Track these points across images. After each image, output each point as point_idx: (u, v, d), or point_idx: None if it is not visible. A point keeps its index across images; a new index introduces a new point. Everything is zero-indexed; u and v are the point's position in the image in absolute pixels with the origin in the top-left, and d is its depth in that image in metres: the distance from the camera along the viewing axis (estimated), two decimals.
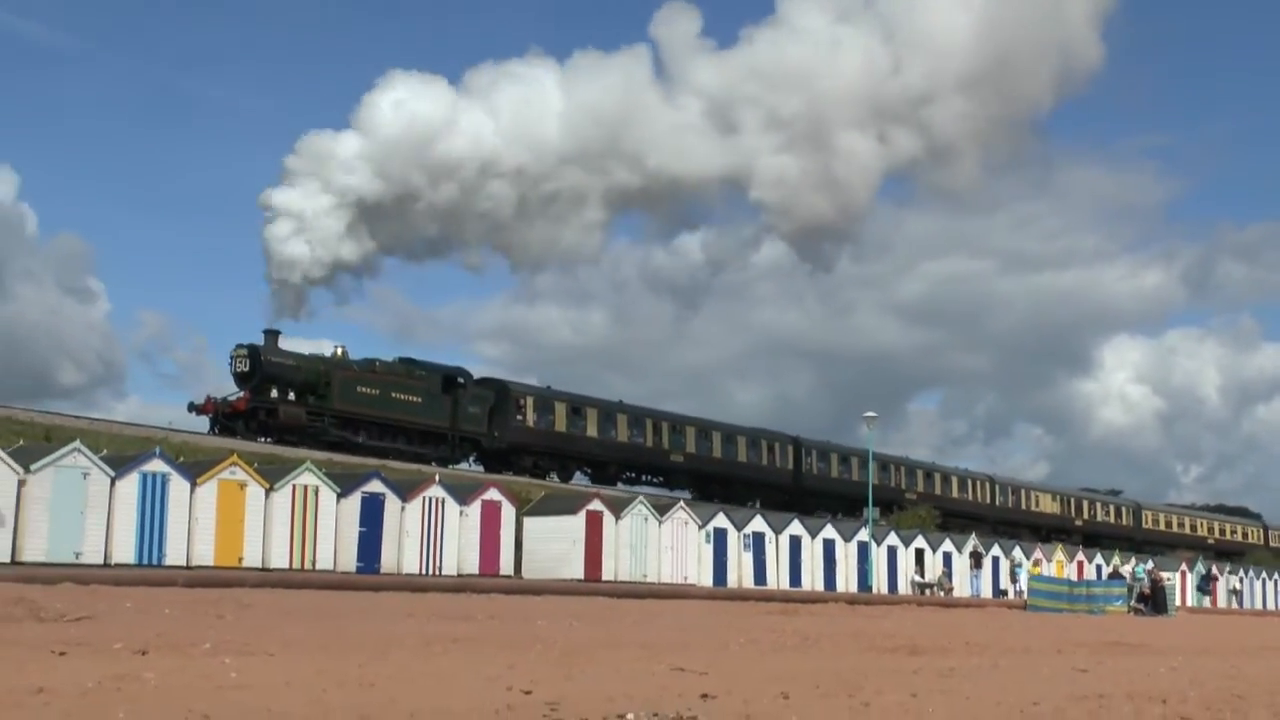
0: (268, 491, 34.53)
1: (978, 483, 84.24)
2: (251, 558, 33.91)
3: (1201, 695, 14.48)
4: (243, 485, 34.25)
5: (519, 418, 56.94)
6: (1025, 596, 49.07)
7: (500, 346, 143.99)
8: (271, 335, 49.77)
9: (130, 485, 32.05)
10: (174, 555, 32.41)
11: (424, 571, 37.09)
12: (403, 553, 37.13)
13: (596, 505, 42.31)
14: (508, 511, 40.55)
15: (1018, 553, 58.24)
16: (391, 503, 37.18)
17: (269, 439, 47.50)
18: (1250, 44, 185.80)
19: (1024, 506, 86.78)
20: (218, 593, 25.36)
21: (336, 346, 52.25)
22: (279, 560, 34.42)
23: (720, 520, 46.32)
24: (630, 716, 10.42)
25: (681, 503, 46.99)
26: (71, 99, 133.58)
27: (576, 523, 41.43)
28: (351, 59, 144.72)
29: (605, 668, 15.04)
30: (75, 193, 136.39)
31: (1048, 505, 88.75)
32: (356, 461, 45.73)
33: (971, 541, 56.97)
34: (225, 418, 47.39)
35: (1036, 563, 56.85)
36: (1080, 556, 63.77)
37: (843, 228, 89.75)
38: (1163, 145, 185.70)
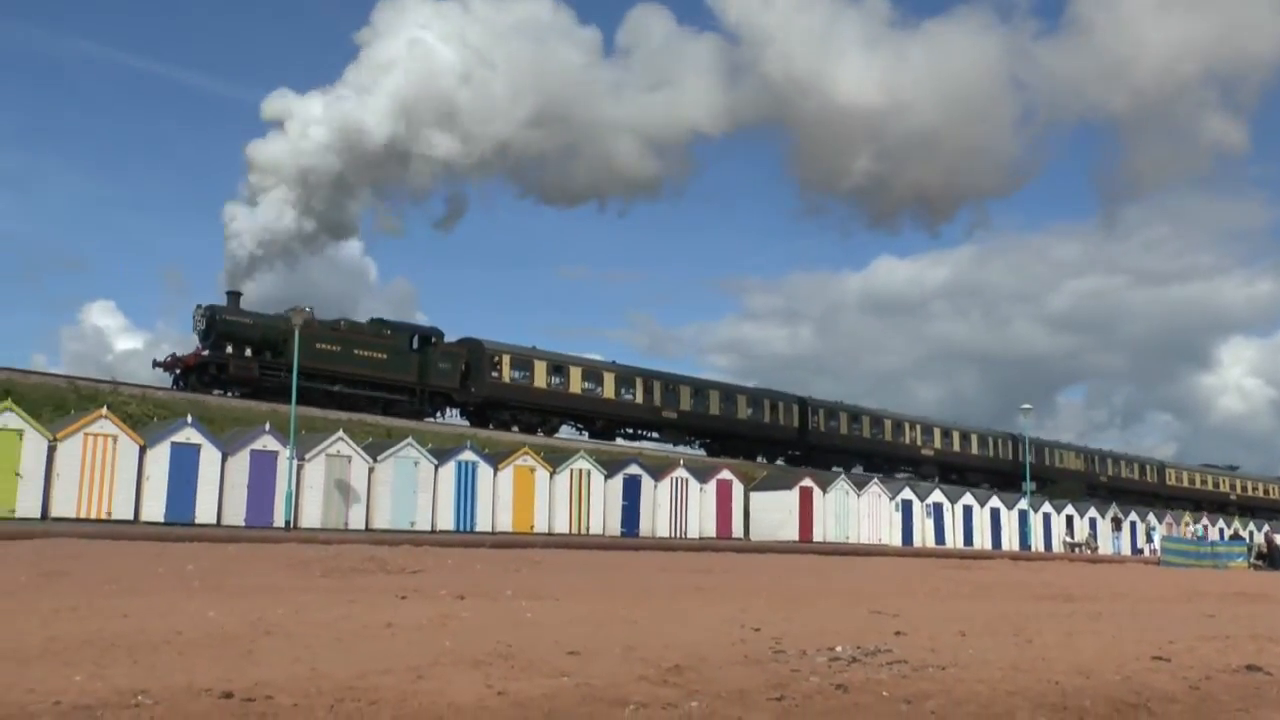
0: (551, 474, 35.17)
1: (1000, 441, 72.79)
2: (540, 525, 34.53)
3: None
4: (532, 469, 34.92)
5: (494, 374, 48.33)
6: (1159, 554, 47.11)
7: (728, 357, 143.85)
8: (233, 296, 43.12)
9: (449, 471, 32.95)
10: (482, 523, 33.19)
11: (673, 535, 37.26)
12: (656, 521, 37.42)
13: (808, 482, 42.13)
14: (738, 488, 40.65)
15: (1151, 518, 56.33)
16: (647, 482, 37.54)
17: (229, 393, 41.15)
18: None
19: (1048, 463, 74.39)
20: (515, 553, 25.78)
21: (305, 307, 43.40)
22: (561, 527, 34.98)
23: (906, 493, 45.74)
24: (839, 648, 10.33)
25: (876, 479, 46.42)
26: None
27: (792, 496, 41.30)
28: None
29: (817, 610, 14.93)
30: (403, 248, 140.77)
31: (1072, 462, 76.89)
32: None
33: (1113, 509, 55.42)
34: (181, 373, 41.27)
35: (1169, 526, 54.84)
36: (1205, 520, 60.95)
37: None
38: (1270, 175, 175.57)
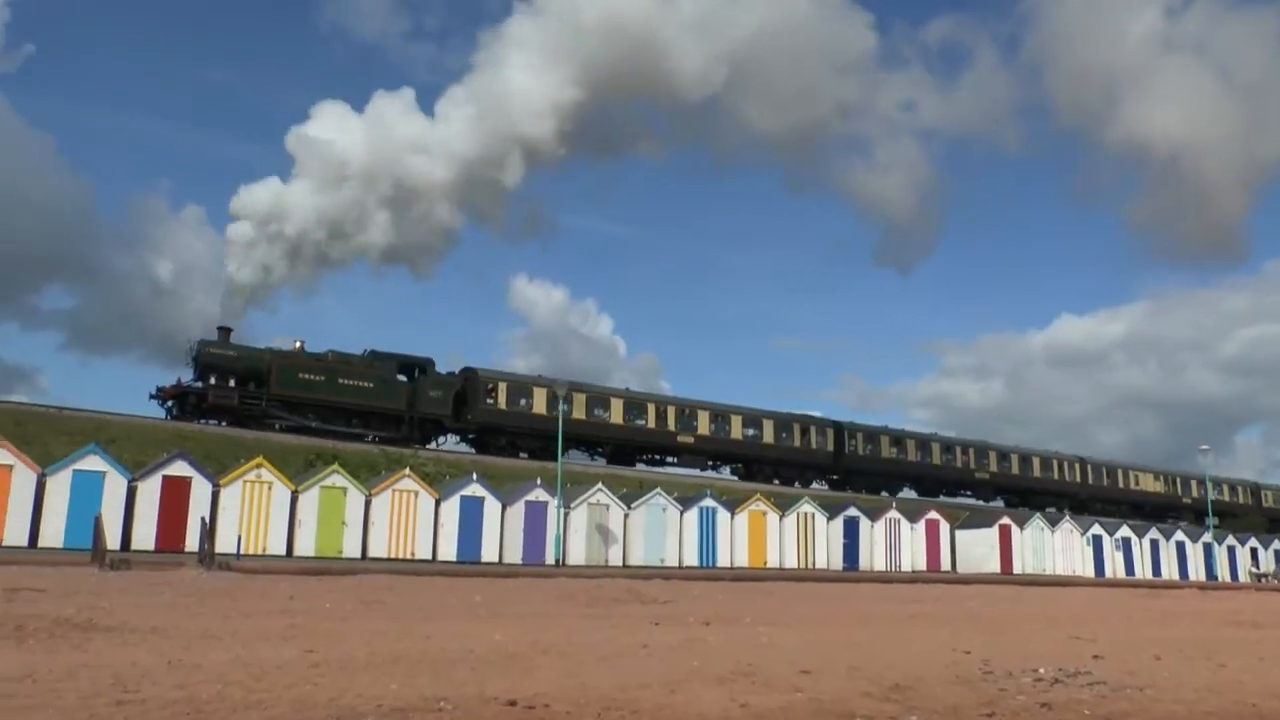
0: (781, 517, 35.00)
1: (1065, 463, 63.19)
2: (772, 561, 34.29)
3: None
4: (764, 513, 34.78)
5: (489, 401, 43.18)
6: None
7: (929, 411, 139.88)
8: (223, 331, 39.83)
9: (693, 515, 33.13)
10: (722, 560, 33.17)
11: (888, 569, 36.47)
12: (873, 556, 36.72)
13: (1006, 520, 40.75)
14: (944, 526, 39.52)
15: None
16: (864, 523, 36.91)
17: (221, 422, 38.04)
18: None
19: (1121, 485, 65.06)
20: (750, 585, 25.61)
21: (297, 340, 41.33)
22: (790, 562, 34.64)
23: (1096, 529, 43.54)
24: (1042, 670, 9.88)
25: (1067, 514, 44.42)
26: (635, 267, 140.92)
27: (993, 533, 39.97)
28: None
29: (1020, 635, 14.33)
30: (648, 328, 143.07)
31: (1149, 484, 66.64)
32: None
33: None
34: (174, 403, 38.47)
35: None
36: None
37: None
38: None
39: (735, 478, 50.43)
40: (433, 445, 43.04)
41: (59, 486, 24.78)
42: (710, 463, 50.48)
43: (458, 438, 44.68)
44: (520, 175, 53.90)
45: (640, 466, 47.29)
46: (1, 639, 9.61)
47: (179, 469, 26.17)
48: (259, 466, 27.13)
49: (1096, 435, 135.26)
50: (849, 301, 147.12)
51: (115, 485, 25.30)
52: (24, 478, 24.49)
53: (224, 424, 37.98)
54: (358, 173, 49.04)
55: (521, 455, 43.58)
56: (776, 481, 49.92)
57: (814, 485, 52.71)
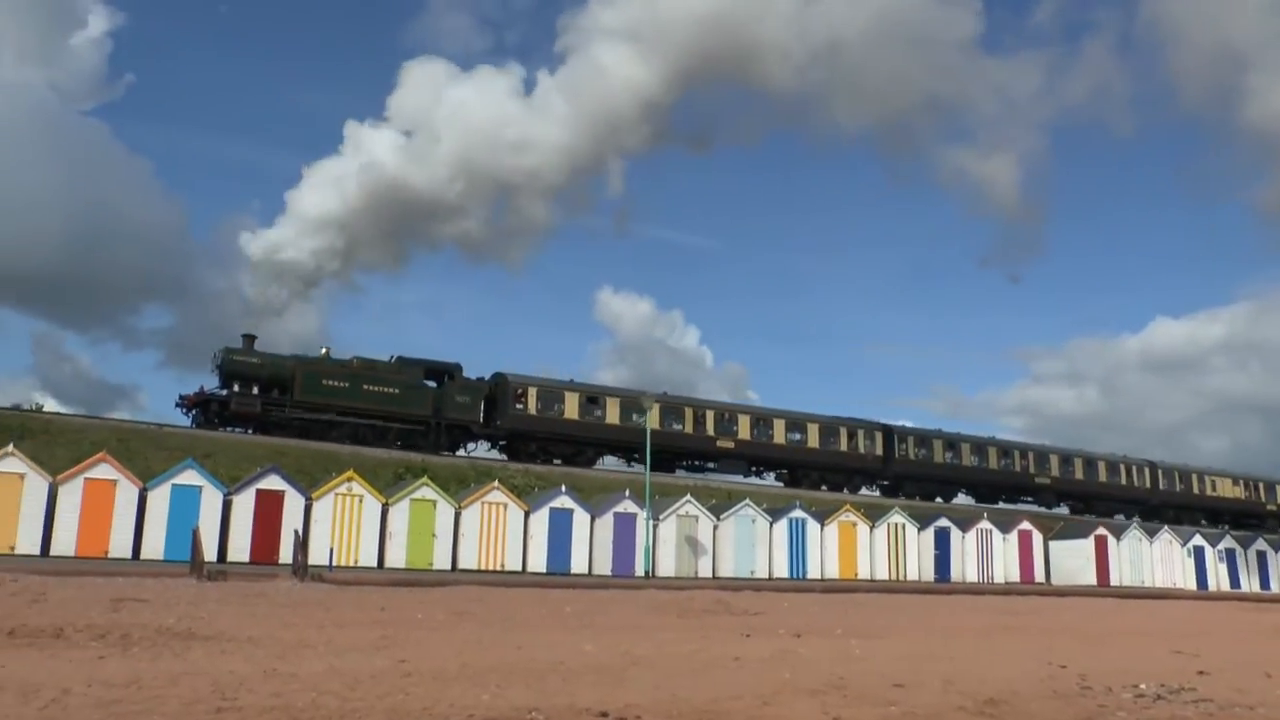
0: (871, 528, 34.62)
1: (1133, 468, 59.88)
2: (863, 572, 33.96)
3: None
4: (854, 524, 34.47)
5: (519, 406, 41.94)
6: None
7: (1021, 419, 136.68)
8: (248, 339, 39.18)
9: (782, 526, 32.94)
10: (812, 571, 32.94)
11: (980, 580, 35.89)
12: (965, 567, 36.15)
13: (1102, 531, 39.90)
14: (1037, 538, 38.80)
15: None
16: (955, 533, 36.36)
17: (238, 429, 37.65)
18: None
19: (1196, 491, 61.63)
20: (842, 596, 25.33)
21: (323, 348, 40.54)
22: (880, 573, 34.28)
23: (1198, 540, 42.41)
24: (1143, 686, 9.59)
25: (1166, 527, 43.12)
26: (718, 280, 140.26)
27: (1088, 544, 39.10)
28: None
29: (1118, 649, 13.97)
30: (735, 337, 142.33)
31: (1228, 490, 62.93)
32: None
33: None
34: (199, 410, 37.98)
35: None
36: None
37: None
38: None
39: (780, 484, 48.85)
40: (461, 452, 41.99)
41: (159, 501, 25.53)
42: (753, 468, 48.76)
43: (489, 444, 43.54)
44: (615, 169, 54.12)
45: (680, 473, 45.77)
46: (109, 647, 9.90)
47: (272, 483, 26.76)
48: (350, 480, 27.62)
49: (1197, 442, 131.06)
50: (942, 306, 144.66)
51: (211, 499, 25.98)
52: (127, 492, 25.29)
53: (250, 431, 37.78)
54: (450, 153, 49.65)
55: (555, 461, 42.48)
56: (824, 487, 48.47)
57: (862, 491, 50.91)
